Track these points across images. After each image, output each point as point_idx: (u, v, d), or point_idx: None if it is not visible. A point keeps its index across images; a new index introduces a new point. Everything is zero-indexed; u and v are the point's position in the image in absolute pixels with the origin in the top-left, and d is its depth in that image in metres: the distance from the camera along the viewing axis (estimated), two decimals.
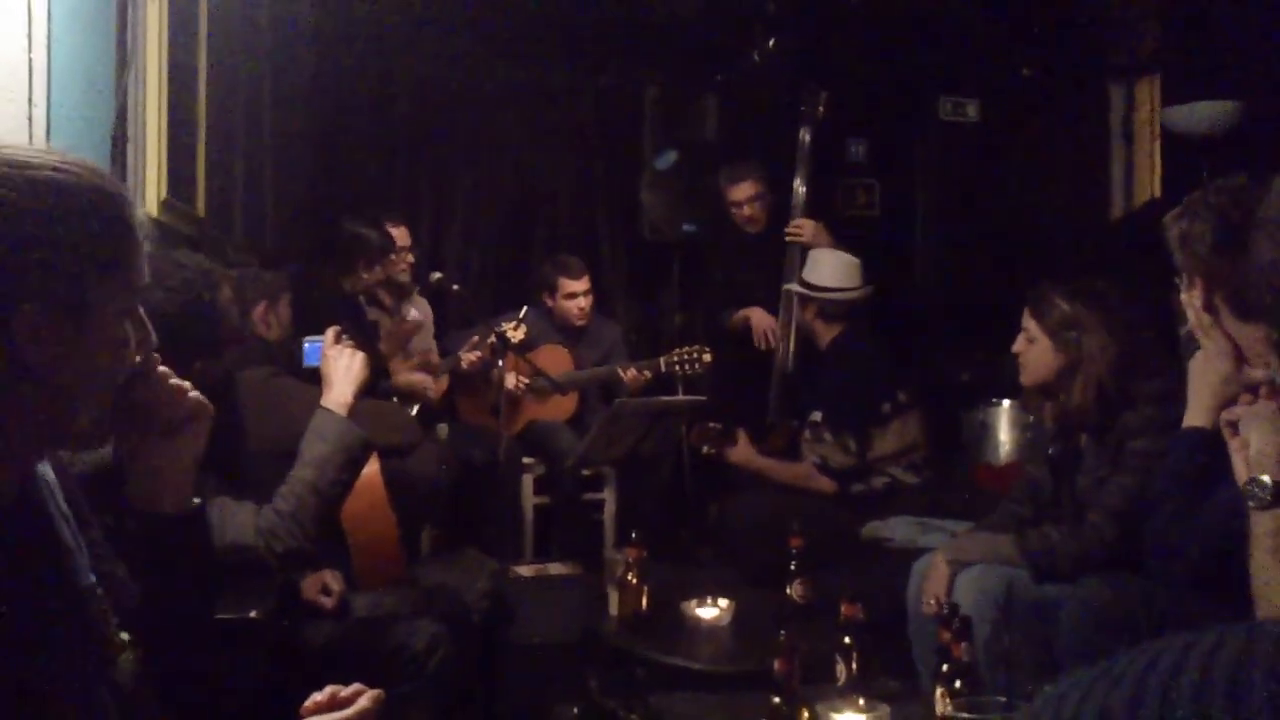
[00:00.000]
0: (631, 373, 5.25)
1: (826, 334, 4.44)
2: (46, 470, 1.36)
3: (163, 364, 1.44)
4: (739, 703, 2.73)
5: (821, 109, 5.20)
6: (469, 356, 5.01)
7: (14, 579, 1.22)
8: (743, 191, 5.26)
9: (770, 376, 5.14)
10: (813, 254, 4.63)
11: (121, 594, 1.41)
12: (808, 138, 5.18)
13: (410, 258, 5.10)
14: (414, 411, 4.38)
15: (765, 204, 5.26)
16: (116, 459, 1.92)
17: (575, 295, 5.41)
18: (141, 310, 1.34)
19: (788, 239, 5.07)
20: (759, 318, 5.19)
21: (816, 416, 4.28)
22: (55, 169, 1.23)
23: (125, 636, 1.35)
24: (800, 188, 5.16)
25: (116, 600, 1.38)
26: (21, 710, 1.18)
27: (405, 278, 5.09)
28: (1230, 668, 0.53)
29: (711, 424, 4.51)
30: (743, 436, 4.44)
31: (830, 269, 4.48)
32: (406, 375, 4.62)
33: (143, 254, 1.31)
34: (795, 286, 4.56)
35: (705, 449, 4.53)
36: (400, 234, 5.03)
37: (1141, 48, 5.97)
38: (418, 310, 5.15)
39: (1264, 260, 1.71)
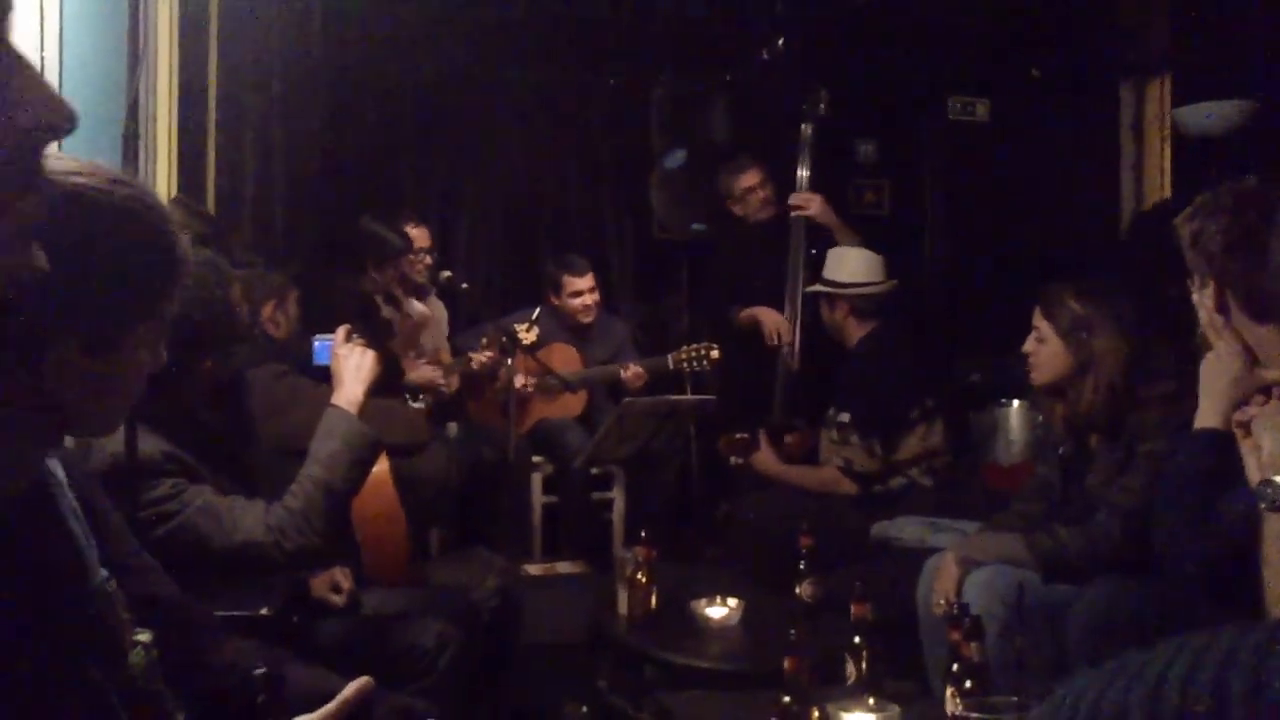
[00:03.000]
0: (631, 371, 5.25)
1: (857, 332, 4.37)
2: (56, 467, 1.35)
3: (174, 363, 1.44)
4: (748, 702, 2.72)
5: (823, 106, 5.18)
6: (479, 357, 5.01)
7: (18, 575, 1.22)
8: (751, 179, 5.25)
9: (775, 375, 5.13)
10: (833, 252, 4.56)
11: (145, 587, 1.41)
12: (809, 131, 5.16)
13: (429, 259, 5.13)
14: (425, 409, 4.39)
15: (772, 191, 5.25)
16: (129, 454, 1.93)
17: (580, 293, 5.41)
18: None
19: (793, 213, 5.03)
20: (768, 316, 5.17)
21: (844, 418, 4.24)
22: (120, 204, 1.20)
23: (142, 634, 1.35)
24: (803, 183, 5.12)
25: (140, 594, 1.38)
26: (24, 707, 1.18)
27: (422, 278, 5.11)
28: (1249, 667, 0.53)
29: (738, 435, 4.51)
30: (765, 443, 4.44)
31: (855, 264, 4.42)
32: (418, 371, 4.63)
33: (181, 288, 1.29)
34: (819, 286, 4.46)
35: (733, 460, 4.53)
36: (421, 235, 5.07)
37: (1151, 48, 5.95)
38: (428, 308, 5.16)
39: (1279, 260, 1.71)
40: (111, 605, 1.33)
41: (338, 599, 2.82)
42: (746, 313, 5.24)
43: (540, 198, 6.53)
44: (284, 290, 3.47)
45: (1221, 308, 2.10)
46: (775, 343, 5.10)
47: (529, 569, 4.78)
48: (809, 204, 5.00)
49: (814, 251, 4.94)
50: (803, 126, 5.17)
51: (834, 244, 4.77)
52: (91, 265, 1.17)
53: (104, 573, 1.34)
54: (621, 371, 5.26)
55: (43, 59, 2.57)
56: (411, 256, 4.94)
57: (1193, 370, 2.30)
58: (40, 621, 1.22)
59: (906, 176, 6.40)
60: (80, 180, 1.18)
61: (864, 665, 2.68)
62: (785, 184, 5.23)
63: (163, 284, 1.26)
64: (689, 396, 5.18)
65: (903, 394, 4.23)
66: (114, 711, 1.26)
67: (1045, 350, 3.10)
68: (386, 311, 4.55)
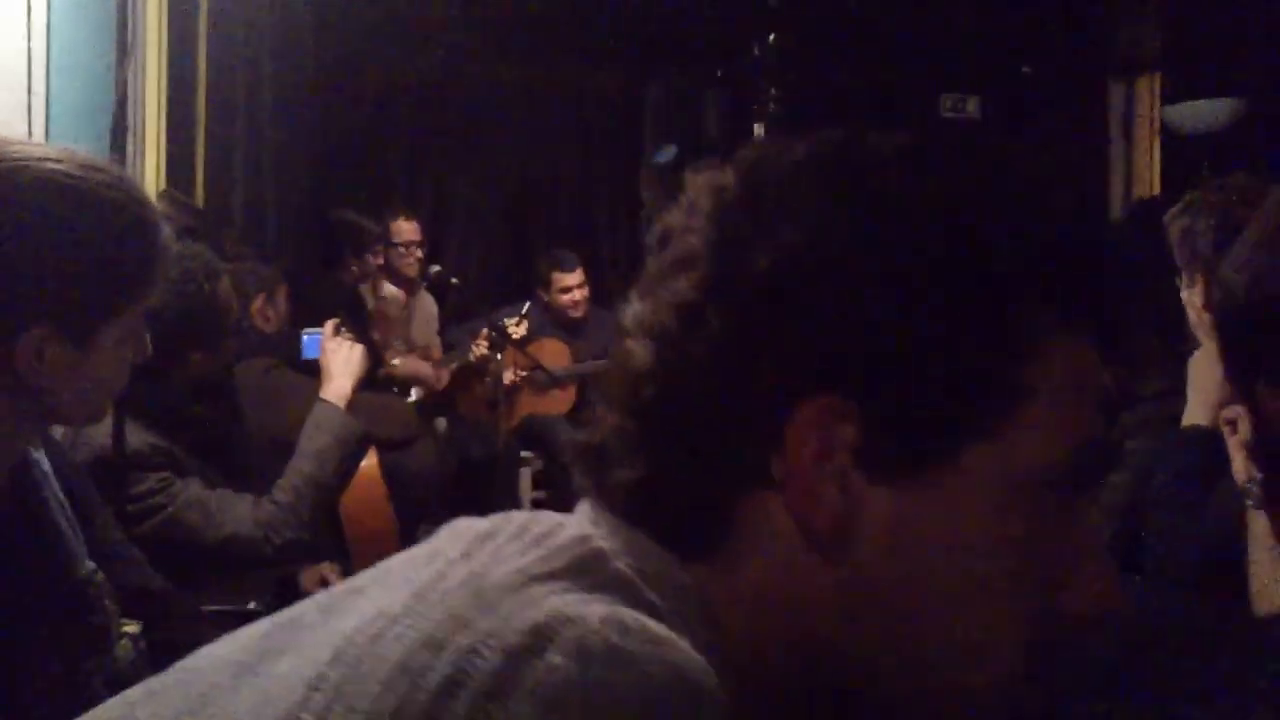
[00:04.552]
0: None
1: None
2: (41, 458, 1.35)
3: (162, 355, 1.43)
4: None
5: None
6: (478, 349, 5.01)
7: (2, 566, 1.21)
8: None
9: None
10: None
11: (131, 578, 1.40)
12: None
13: (419, 253, 5.14)
14: (412, 403, 4.38)
15: None
16: (117, 447, 1.92)
17: (569, 289, 5.41)
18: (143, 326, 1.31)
19: None
20: None
21: None
22: (95, 190, 1.19)
23: (129, 625, 1.34)
24: None
25: (126, 585, 1.38)
26: (9, 699, 1.17)
27: (413, 272, 5.12)
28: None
29: None
30: None
31: None
32: (407, 364, 4.63)
33: (160, 280, 1.28)
34: None
35: None
36: (410, 228, 5.09)
37: (1142, 45, 5.97)
38: (418, 302, 5.16)
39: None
40: (99, 597, 1.32)
41: None
42: None
43: (533, 193, 6.53)
44: (274, 284, 3.46)
45: (1210, 305, 2.10)
46: None
47: None
48: None
49: None
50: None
51: None
52: (62, 250, 1.17)
53: (90, 564, 1.34)
54: None
55: (29, 49, 2.55)
56: (402, 249, 4.95)
57: (1181, 368, 2.30)
58: (24, 614, 1.21)
59: None
60: (52, 166, 1.17)
61: None
62: None
63: (141, 273, 1.24)
64: None
65: None
66: (97, 701, 1.26)
67: None
68: (370, 302, 4.56)
